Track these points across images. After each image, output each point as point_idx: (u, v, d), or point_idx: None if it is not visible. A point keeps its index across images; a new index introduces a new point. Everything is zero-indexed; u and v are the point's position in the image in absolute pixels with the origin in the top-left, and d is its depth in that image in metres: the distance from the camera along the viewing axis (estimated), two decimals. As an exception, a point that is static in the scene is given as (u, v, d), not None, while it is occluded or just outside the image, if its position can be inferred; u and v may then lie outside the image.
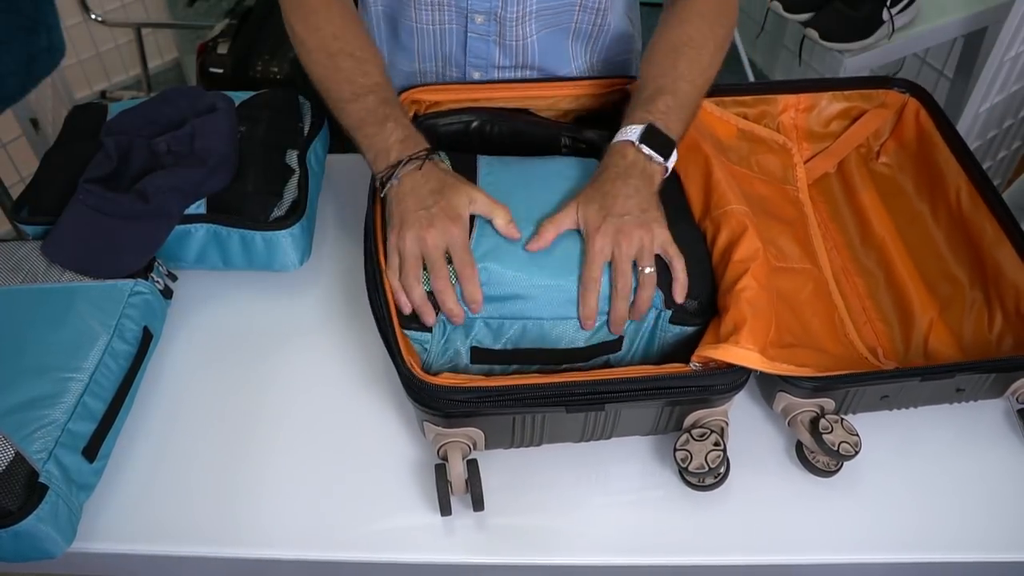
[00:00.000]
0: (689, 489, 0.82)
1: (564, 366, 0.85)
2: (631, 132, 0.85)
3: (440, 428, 0.78)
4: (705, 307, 0.82)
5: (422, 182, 0.83)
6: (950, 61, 2.01)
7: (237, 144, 0.97)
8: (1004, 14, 1.50)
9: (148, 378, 0.89)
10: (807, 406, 0.81)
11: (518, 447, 0.83)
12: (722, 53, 0.95)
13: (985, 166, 1.74)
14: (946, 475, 0.84)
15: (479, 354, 0.84)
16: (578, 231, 0.83)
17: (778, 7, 1.68)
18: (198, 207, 0.94)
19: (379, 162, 0.86)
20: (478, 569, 0.79)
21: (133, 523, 0.80)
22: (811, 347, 0.89)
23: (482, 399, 0.75)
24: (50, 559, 0.75)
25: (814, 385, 0.80)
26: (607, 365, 0.86)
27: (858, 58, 1.64)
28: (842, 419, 0.80)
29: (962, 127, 1.64)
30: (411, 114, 0.99)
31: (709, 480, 0.80)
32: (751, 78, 2.32)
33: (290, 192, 0.98)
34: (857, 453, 0.79)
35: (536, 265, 0.81)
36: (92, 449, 0.78)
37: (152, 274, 0.91)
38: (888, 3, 1.60)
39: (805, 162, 1.08)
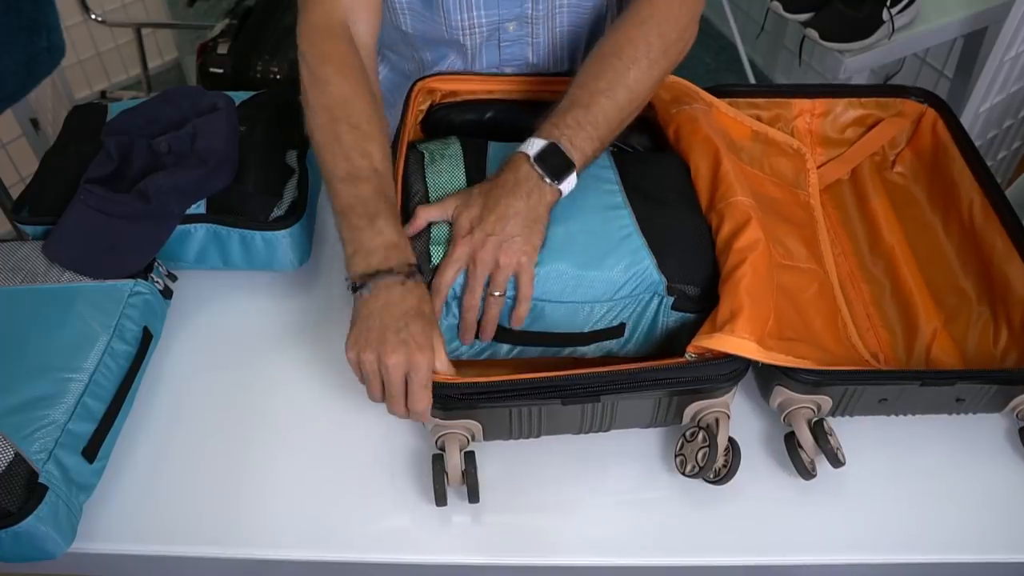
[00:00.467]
0: (689, 488, 0.82)
1: (567, 350, 0.85)
2: (531, 146, 0.82)
3: (438, 419, 0.78)
4: (707, 295, 0.82)
5: (398, 301, 0.76)
6: (950, 61, 2.01)
7: (238, 144, 0.97)
8: (1004, 14, 1.50)
9: (148, 378, 0.89)
10: (804, 402, 0.81)
11: (516, 439, 0.83)
12: (662, 66, 0.89)
13: (985, 166, 1.74)
14: (942, 480, 0.84)
15: None
16: (580, 227, 0.83)
17: (778, 7, 1.68)
18: (198, 207, 0.94)
19: (357, 261, 0.78)
20: (478, 569, 0.79)
21: (133, 523, 0.80)
22: (812, 344, 0.89)
23: (479, 394, 0.75)
24: (50, 559, 0.75)
25: (814, 379, 0.79)
26: (609, 352, 0.86)
27: (858, 58, 1.64)
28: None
29: (962, 127, 1.64)
30: (427, 104, 0.99)
31: (710, 477, 0.80)
32: (751, 78, 2.32)
33: (290, 192, 0.98)
34: (843, 464, 0.80)
35: (543, 248, 0.81)
36: (92, 449, 0.78)
37: (152, 274, 0.91)
38: (888, 3, 1.60)
39: (818, 167, 1.08)
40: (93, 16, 2.13)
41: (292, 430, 0.87)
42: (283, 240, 0.95)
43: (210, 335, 0.95)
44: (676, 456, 0.82)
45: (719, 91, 1.04)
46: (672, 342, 0.85)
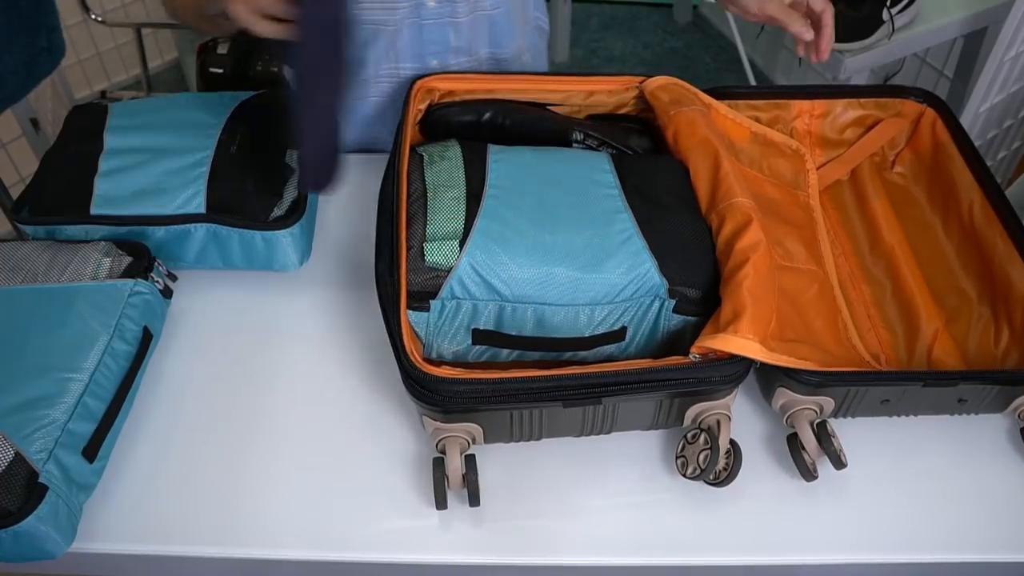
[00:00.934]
0: (690, 490, 0.82)
1: (568, 354, 0.85)
2: None
3: (439, 423, 0.78)
4: (708, 297, 0.82)
5: None
6: (950, 61, 2.01)
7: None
8: (1004, 14, 1.50)
9: (148, 378, 0.89)
10: (806, 404, 0.81)
11: (517, 442, 0.83)
12: None
13: (985, 166, 1.74)
14: (943, 481, 0.84)
15: (481, 336, 0.84)
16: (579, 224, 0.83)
17: (778, 7, 1.68)
18: (198, 207, 0.94)
19: None
20: (478, 569, 0.79)
21: (133, 523, 0.80)
22: (813, 345, 0.89)
23: (479, 392, 0.75)
24: (50, 559, 0.75)
25: (816, 380, 0.79)
26: (610, 357, 0.86)
27: (858, 58, 1.64)
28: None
29: (962, 127, 1.64)
30: (425, 104, 0.99)
31: (711, 479, 0.80)
32: (751, 78, 2.32)
33: (290, 192, 0.98)
34: (846, 466, 0.80)
35: (543, 251, 0.81)
36: (92, 449, 0.78)
37: (152, 274, 0.91)
38: (888, 3, 1.60)
39: (817, 168, 1.08)
40: (93, 16, 2.14)
41: (292, 430, 0.87)
42: (283, 240, 0.95)
43: (210, 335, 0.95)
44: (677, 458, 0.82)
45: (717, 92, 1.04)
46: (673, 346, 0.85)
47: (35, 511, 0.71)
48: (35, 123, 1.78)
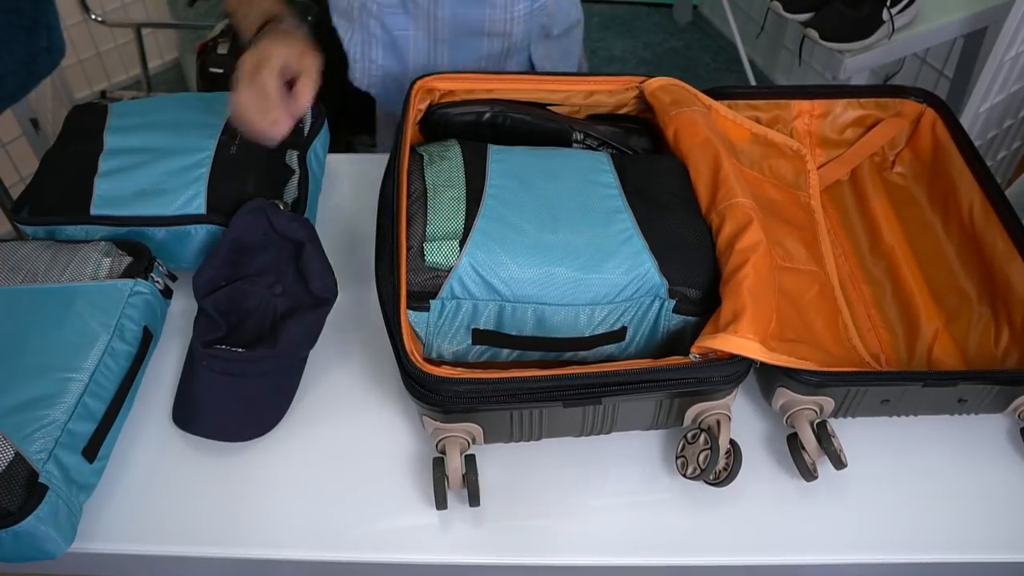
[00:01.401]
0: (690, 490, 0.82)
1: (568, 354, 0.85)
2: None
3: (439, 423, 0.78)
4: (708, 298, 0.82)
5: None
6: (950, 61, 2.01)
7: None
8: (1004, 14, 1.50)
9: (148, 378, 0.89)
10: (807, 404, 0.81)
11: (517, 442, 0.83)
12: None
13: (985, 166, 1.74)
14: (943, 481, 0.84)
15: (481, 336, 0.84)
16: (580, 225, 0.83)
17: (778, 7, 1.68)
18: (198, 207, 0.94)
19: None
20: (479, 569, 0.79)
21: (133, 523, 0.80)
22: (813, 345, 0.89)
23: (479, 392, 0.75)
24: (50, 559, 0.75)
25: (816, 380, 0.79)
26: (610, 357, 0.86)
27: (858, 58, 1.64)
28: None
29: (962, 127, 1.64)
30: (425, 104, 0.99)
31: (711, 479, 0.80)
32: (751, 78, 2.32)
33: (290, 192, 0.98)
34: (846, 466, 0.80)
35: (543, 251, 0.81)
36: (92, 449, 0.78)
37: (152, 274, 0.91)
38: (888, 3, 1.60)
39: (817, 168, 1.08)
40: (93, 16, 2.14)
41: (292, 430, 0.87)
42: (283, 240, 0.95)
43: (210, 335, 0.95)
44: (677, 458, 0.82)
45: (717, 93, 1.04)
46: (673, 346, 0.85)
47: (35, 511, 0.71)
48: (35, 123, 1.78)
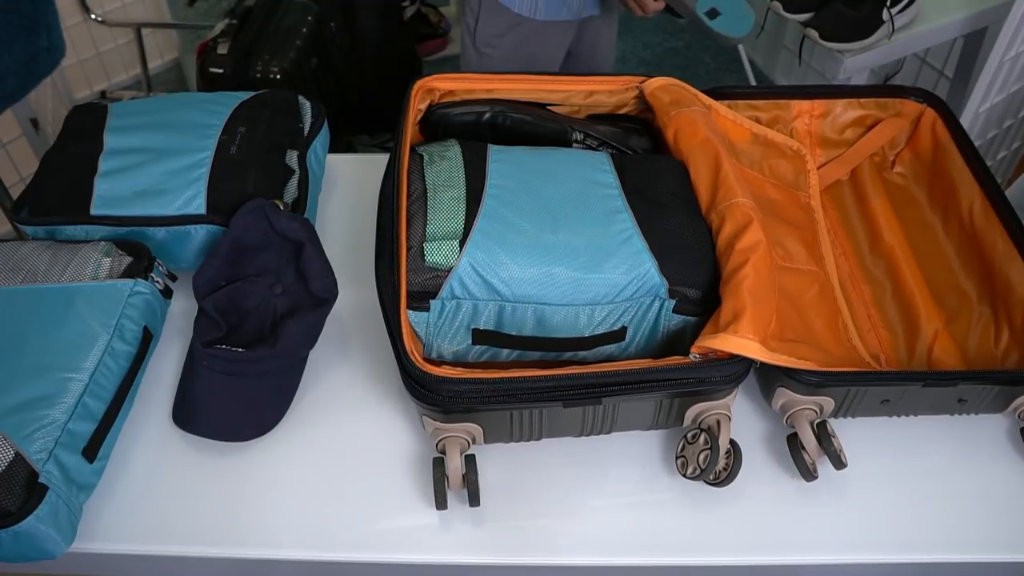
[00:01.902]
0: (690, 490, 0.82)
1: (568, 354, 0.85)
2: None
3: (439, 423, 0.78)
4: (708, 298, 0.82)
5: None
6: (950, 61, 2.01)
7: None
8: (1004, 14, 1.49)
9: (148, 378, 0.89)
10: (806, 404, 0.81)
11: (517, 442, 0.83)
12: None
13: (985, 166, 1.74)
14: (943, 481, 0.84)
15: (481, 336, 0.84)
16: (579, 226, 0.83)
17: (778, 7, 1.68)
18: (198, 207, 0.94)
19: None
20: (478, 569, 0.79)
21: (133, 523, 0.80)
22: (813, 345, 0.89)
23: (479, 392, 0.75)
24: (50, 559, 0.75)
25: (817, 380, 0.79)
26: (610, 357, 0.86)
27: (858, 58, 1.64)
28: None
29: (962, 127, 1.64)
30: (425, 104, 0.99)
31: (711, 479, 0.80)
32: (751, 78, 2.32)
33: (290, 192, 0.98)
34: (846, 466, 0.80)
35: (543, 251, 0.81)
36: (92, 449, 0.78)
37: (152, 274, 0.91)
38: (888, 3, 1.60)
39: (817, 168, 1.08)
40: (93, 16, 2.14)
41: (292, 430, 0.87)
42: (283, 240, 0.95)
43: (210, 335, 0.95)
44: (677, 458, 0.82)
45: (717, 93, 1.04)
46: (673, 345, 0.85)
47: (35, 511, 0.71)
48: (35, 123, 1.78)
